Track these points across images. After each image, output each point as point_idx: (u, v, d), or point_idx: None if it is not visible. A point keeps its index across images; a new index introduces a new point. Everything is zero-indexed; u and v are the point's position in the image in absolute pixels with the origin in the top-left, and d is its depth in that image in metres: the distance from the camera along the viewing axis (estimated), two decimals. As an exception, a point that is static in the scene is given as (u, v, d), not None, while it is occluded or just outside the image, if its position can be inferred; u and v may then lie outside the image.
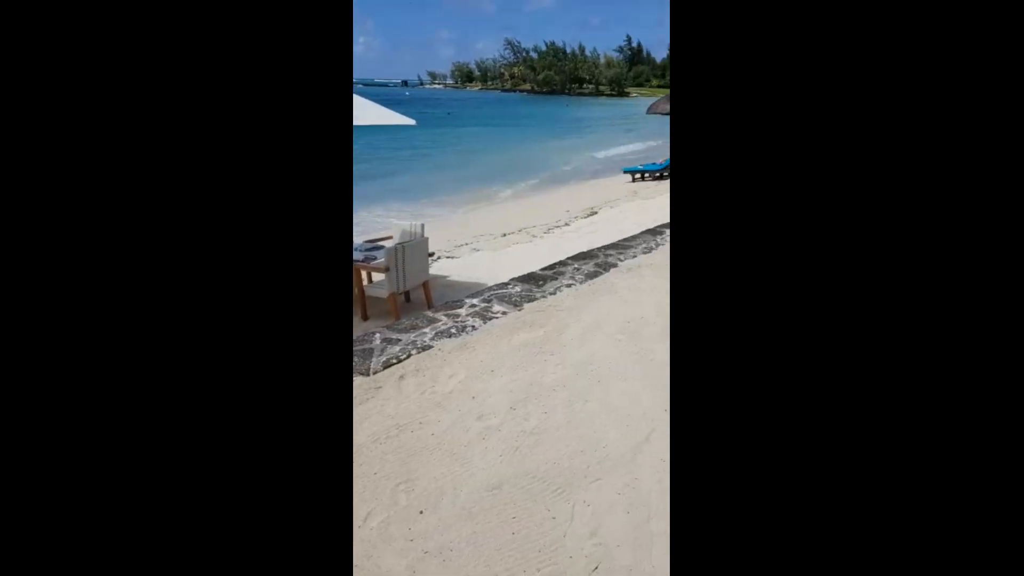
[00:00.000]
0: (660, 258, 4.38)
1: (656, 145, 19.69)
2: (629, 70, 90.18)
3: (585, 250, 4.62)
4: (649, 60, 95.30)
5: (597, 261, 4.27)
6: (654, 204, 9.44)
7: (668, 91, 14.58)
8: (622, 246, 4.69)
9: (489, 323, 3.16)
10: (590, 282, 3.82)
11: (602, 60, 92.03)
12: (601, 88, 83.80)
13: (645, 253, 4.50)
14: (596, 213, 9.50)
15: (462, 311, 3.31)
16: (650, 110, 13.23)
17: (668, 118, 13.34)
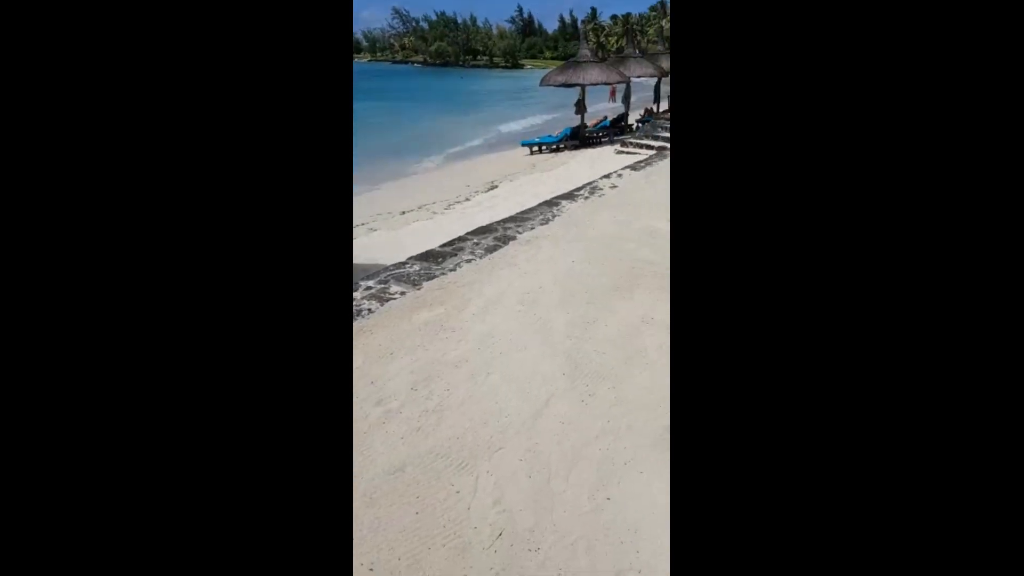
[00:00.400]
0: (556, 229, 4.49)
1: (553, 117, 19.98)
2: (522, 42, 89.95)
3: (485, 224, 4.62)
4: (541, 32, 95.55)
5: (496, 235, 4.28)
6: (551, 176, 9.63)
7: (561, 63, 14.75)
8: (520, 219, 4.74)
9: (387, 305, 3.07)
10: (490, 256, 3.84)
11: (495, 31, 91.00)
12: (495, 60, 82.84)
13: (543, 224, 4.58)
14: (496, 187, 9.51)
15: (357, 294, 3.19)
16: (543, 82, 13.31)
17: (562, 89, 13.55)
